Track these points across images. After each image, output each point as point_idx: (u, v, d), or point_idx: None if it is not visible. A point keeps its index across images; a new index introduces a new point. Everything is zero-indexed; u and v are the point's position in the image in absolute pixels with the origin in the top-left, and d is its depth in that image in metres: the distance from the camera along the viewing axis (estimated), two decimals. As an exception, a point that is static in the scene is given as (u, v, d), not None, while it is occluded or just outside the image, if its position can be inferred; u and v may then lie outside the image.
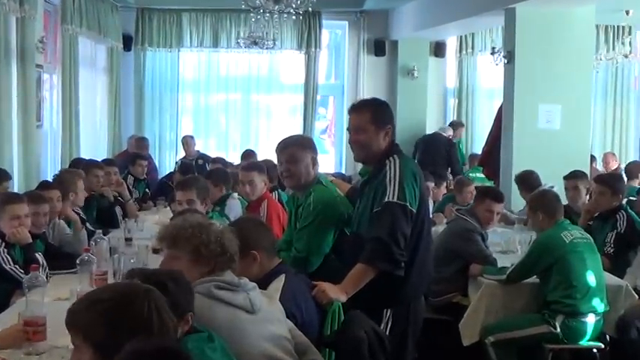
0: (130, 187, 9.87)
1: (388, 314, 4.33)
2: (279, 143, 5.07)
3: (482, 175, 11.05)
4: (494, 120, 10.79)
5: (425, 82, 14.70)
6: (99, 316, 2.37)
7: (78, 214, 7.00)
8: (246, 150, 12.02)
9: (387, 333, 4.27)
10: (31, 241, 5.43)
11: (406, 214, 4.21)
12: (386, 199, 4.23)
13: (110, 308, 2.38)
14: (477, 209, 6.55)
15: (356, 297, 4.16)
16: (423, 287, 4.49)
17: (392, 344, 4.14)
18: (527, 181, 8.37)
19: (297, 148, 4.97)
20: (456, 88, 15.19)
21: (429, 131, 14.26)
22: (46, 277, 5.05)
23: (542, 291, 5.84)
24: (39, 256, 5.41)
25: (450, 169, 12.56)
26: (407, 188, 4.24)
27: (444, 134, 13.19)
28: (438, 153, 12.58)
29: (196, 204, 6.04)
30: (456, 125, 14.03)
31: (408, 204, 4.22)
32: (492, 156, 10.52)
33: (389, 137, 4.48)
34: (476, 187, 8.53)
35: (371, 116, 4.47)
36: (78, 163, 8.95)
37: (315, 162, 4.97)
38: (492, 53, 10.51)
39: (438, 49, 14.98)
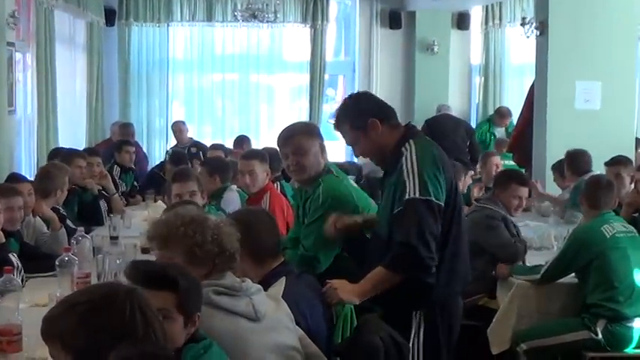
0: (117, 178, 9.89)
1: (418, 318, 4.28)
2: (281, 135, 5.09)
3: (513, 163, 11.03)
4: (525, 100, 10.76)
5: (446, 59, 14.68)
6: (77, 321, 2.38)
7: (57, 210, 7.01)
8: (239, 136, 11.98)
9: (417, 340, 4.24)
10: (3, 240, 5.44)
11: (432, 210, 4.11)
12: (406, 196, 4.13)
13: (89, 311, 2.40)
14: (501, 196, 6.53)
15: (376, 298, 4.14)
16: (456, 286, 4.39)
17: (422, 354, 4.14)
18: (577, 162, 8.25)
19: (303, 137, 4.98)
20: (482, 64, 15.17)
21: (452, 113, 14.24)
22: (22, 281, 5.05)
23: (582, 292, 5.83)
24: (12, 257, 5.40)
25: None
26: (429, 179, 4.14)
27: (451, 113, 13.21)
28: (457, 136, 12.51)
29: (198, 196, 6.06)
30: (503, 113, 13.91)
31: (432, 197, 4.11)
32: (523, 141, 10.50)
33: (386, 127, 4.39)
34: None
35: (349, 124, 4.45)
36: (57, 155, 8.95)
37: (323, 149, 4.98)
38: (523, 24, 10.47)
39: (461, 21, 14.95)
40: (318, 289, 4.14)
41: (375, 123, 4.36)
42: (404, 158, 4.23)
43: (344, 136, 4.56)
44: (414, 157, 4.20)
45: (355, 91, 4.94)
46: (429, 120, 12.77)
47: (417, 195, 4.11)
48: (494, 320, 6.01)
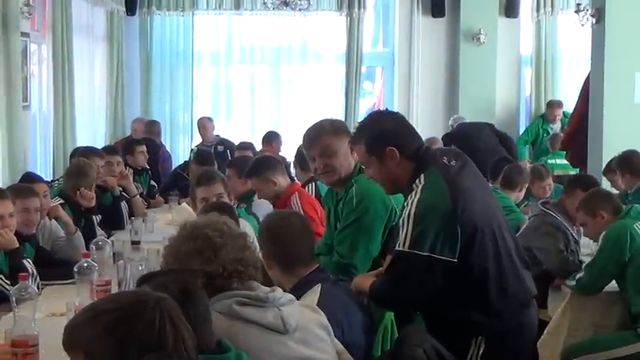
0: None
1: (478, 342, 4.27)
2: (306, 135, 5.12)
3: (565, 162, 10.98)
4: (580, 94, 10.70)
5: (494, 49, 14.61)
6: (104, 330, 2.38)
7: (83, 211, 7.08)
8: (269, 132, 12.01)
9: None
10: (17, 245, 5.48)
11: (423, 265, 4.06)
12: (397, 246, 4.13)
13: (117, 320, 2.39)
14: (566, 202, 6.52)
15: (429, 328, 4.16)
16: (515, 310, 4.33)
17: None
18: (631, 163, 8.20)
19: (330, 137, 5.00)
20: (532, 55, 15.09)
21: (499, 108, 14.20)
22: (38, 289, 5.09)
23: (626, 303, 5.81)
24: (27, 264, 5.44)
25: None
26: (426, 231, 4.06)
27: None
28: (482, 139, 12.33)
29: (224, 199, 6.09)
30: (554, 105, 13.81)
31: (425, 252, 4.04)
32: (577, 138, 10.45)
33: (403, 157, 4.29)
34: (562, 176, 8.47)
35: (365, 147, 4.38)
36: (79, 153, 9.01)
37: (353, 148, 4.96)
38: (577, 11, 10.42)
39: (510, 8, 14.88)
40: (357, 297, 4.15)
41: (392, 152, 4.28)
42: (410, 197, 4.18)
43: (357, 154, 4.55)
44: (416, 200, 4.12)
45: (382, 109, 4.86)
46: (449, 135, 12.48)
47: (407, 248, 4.08)
48: (545, 332, 5.99)
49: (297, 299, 3.77)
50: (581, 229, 6.57)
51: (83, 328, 2.42)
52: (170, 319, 2.42)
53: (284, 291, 3.57)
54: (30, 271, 5.27)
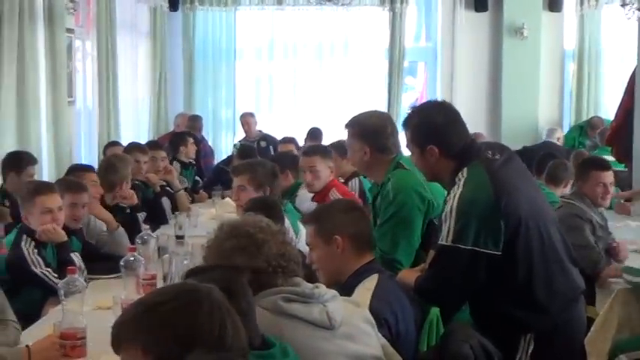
0: (177, 174, 9.98)
1: (527, 339, 4.26)
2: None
3: (612, 158, 10.88)
4: (625, 90, 10.59)
5: (537, 43, 14.54)
6: (161, 324, 2.36)
7: (121, 207, 7.12)
8: (313, 129, 12.04)
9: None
10: (66, 238, 5.52)
11: (465, 258, 4.06)
12: (440, 240, 4.14)
13: (175, 311, 2.38)
14: (584, 188, 6.49)
15: (478, 325, 4.15)
16: (563, 305, 4.31)
17: None
18: None
19: (348, 133, 5.17)
20: (576, 49, 15.00)
21: (543, 104, 14.11)
22: (85, 282, 5.13)
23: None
24: (75, 257, 5.49)
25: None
26: (471, 224, 4.06)
27: (554, 141, 12.79)
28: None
29: (247, 191, 6.07)
30: (595, 125, 13.65)
31: (468, 245, 4.05)
32: (622, 134, 10.35)
33: (444, 157, 4.31)
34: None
35: (410, 135, 4.43)
36: (112, 149, 9.06)
37: (366, 152, 5.06)
38: (623, 5, 10.36)
39: (554, 2, 14.79)
40: (407, 292, 4.16)
41: (432, 151, 4.30)
42: (452, 191, 4.19)
43: (405, 136, 4.58)
44: (459, 194, 4.12)
45: (434, 100, 4.84)
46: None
47: (450, 242, 4.08)
48: (592, 330, 5.94)
49: (355, 286, 3.80)
50: (602, 212, 6.54)
51: (139, 321, 2.40)
52: (226, 309, 2.42)
53: (337, 282, 3.58)
54: (78, 264, 5.30)
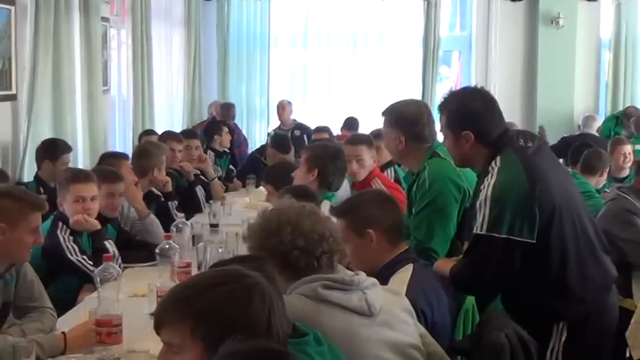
0: (212, 163, 10.00)
1: (560, 327, 4.25)
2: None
3: (645, 148, 10.80)
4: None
5: (573, 32, 14.46)
6: (214, 305, 2.36)
7: (155, 195, 7.14)
8: (349, 118, 12.02)
9: (557, 346, 4.21)
10: (99, 227, 5.55)
11: (501, 247, 4.06)
12: (475, 230, 4.13)
13: (229, 294, 2.37)
14: None
15: (511, 314, 4.14)
16: (596, 293, 4.30)
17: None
18: None
19: (384, 121, 5.16)
20: (612, 38, 14.91)
21: (579, 94, 14.02)
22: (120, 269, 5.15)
23: None
24: (109, 245, 5.51)
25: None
26: (503, 212, 4.04)
27: (591, 131, 12.60)
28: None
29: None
30: (631, 114, 13.43)
31: (503, 234, 4.04)
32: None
33: (478, 143, 4.31)
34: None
35: (446, 119, 4.42)
36: (147, 137, 9.08)
37: (401, 141, 5.02)
38: (660, -6, 10.25)
39: (590, -9, 14.71)
40: (443, 281, 4.15)
41: (468, 136, 4.30)
42: (486, 180, 4.17)
43: (440, 120, 4.56)
44: (493, 183, 4.11)
45: (474, 86, 4.84)
46: None
47: (485, 231, 4.08)
48: (632, 322, 5.88)
49: (389, 276, 3.80)
50: None
51: (189, 301, 2.39)
52: (273, 295, 2.42)
53: (371, 273, 3.58)
54: (112, 252, 5.33)
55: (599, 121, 12.67)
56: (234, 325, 2.33)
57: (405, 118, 5.07)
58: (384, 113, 5.17)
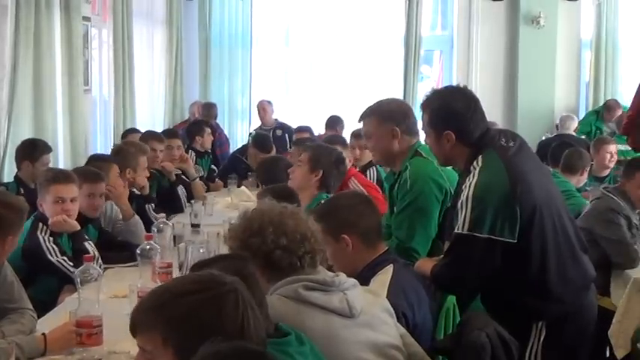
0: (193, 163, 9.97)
1: (539, 327, 4.26)
2: (360, 116, 5.20)
3: (627, 147, 10.82)
4: (643, 77, 10.55)
5: (554, 32, 14.49)
6: (187, 314, 2.35)
7: (135, 195, 7.11)
8: (332, 117, 12.02)
9: (536, 344, 4.23)
10: (78, 228, 5.53)
11: (482, 247, 4.09)
12: (455, 229, 4.15)
13: (202, 302, 2.36)
14: (626, 186, 6.45)
15: (489, 312, 4.15)
16: (575, 293, 4.33)
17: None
18: None
19: (371, 122, 5.08)
20: (593, 38, 14.93)
21: (559, 93, 14.06)
22: (100, 270, 5.13)
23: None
24: (89, 246, 5.49)
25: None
26: (484, 212, 4.07)
27: (569, 131, 12.57)
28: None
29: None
30: (611, 106, 13.50)
31: (484, 234, 4.07)
32: (639, 122, 10.29)
33: (459, 143, 4.33)
34: (622, 161, 8.36)
35: (428, 118, 4.43)
36: (129, 136, 9.05)
37: (395, 135, 4.97)
38: (640, -6, 10.28)
39: (571, -10, 14.74)
40: (423, 281, 4.16)
41: (449, 136, 4.33)
42: (467, 180, 4.19)
43: (422, 118, 4.56)
44: (474, 183, 4.14)
45: (456, 85, 4.84)
46: None
47: (466, 231, 4.11)
48: (614, 322, 5.93)
49: (370, 278, 3.80)
50: None
51: (162, 309, 2.39)
52: (249, 301, 2.41)
53: (351, 275, 3.58)
54: (92, 253, 5.31)
55: (576, 121, 12.68)
56: (205, 333, 2.32)
57: (398, 112, 5.06)
58: (368, 114, 5.12)
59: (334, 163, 6.17)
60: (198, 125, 11.02)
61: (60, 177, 5.60)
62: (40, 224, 5.42)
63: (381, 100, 5.24)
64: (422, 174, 4.85)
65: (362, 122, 5.14)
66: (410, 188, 4.85)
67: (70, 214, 5.48)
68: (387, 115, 5.03)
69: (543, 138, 12.88)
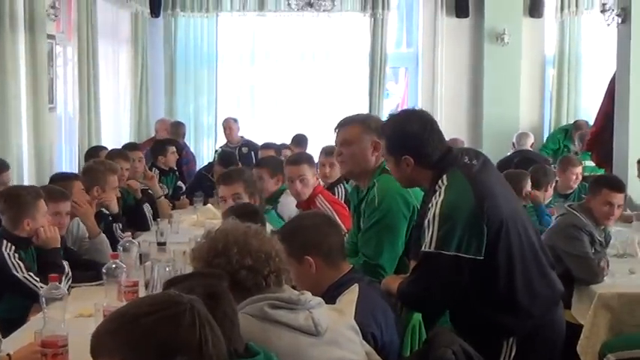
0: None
1: (511, 342, 4.28)
2: (338, 122, 5.18)
3: (591, 163, 10.92)
4: (605, 94, 10.64)
5: (518, 49, 14.55)
6: (145, 333, 2.34)
7: (103, 214, 7.07)
8: (297, 135, 12.02)
9: None
10: (59, 245, 5.51)
11: (450, 264, 4.10)
12: (423, 247, 4.17)
13: (158, 322, 2.36)
14: (591, 203, 6.48)
15: (460, 331, 4.15)
16: (544, 308, 4.36)
17: None
18: None
19: (354, 129, 5.05)
20: (556, 55, 15.02)
21: (524, 110, 14.16)
22: (68, 290, 5.11)
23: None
24: (65, 265, 5.47)
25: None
26: (452, 230, 4.09)
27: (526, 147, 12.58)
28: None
29: (242, 199, 6.08)
30: (580, 126, 13.43)
31: (452, 251, 4.09)
32: (602, 138, 10.38)
33: (419, 167, 4.34)
34: (587, 177, 8.42)
35: (386, 143, 4.47)
36: (95, 154, 9.00)
37: (376, 147, 4.96)
38: (602, 11, 10.40)
39: (534, 8, 14.82)
40: (389, 298, 4.16)
41: (408, 161, 4.34)
42: (434, 198, 4.20)
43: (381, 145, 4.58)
44: (441, 201, 4.15)
45: (412, 108, 4.85)
46: None
47: (433, 248, 4.12)
48: (582, 337, 5.95)
49: (335, 297, 3.79)
50: (609, 230, 6.57)
51: (119, 332, 2.36)
52: (207, 320, 2.40)
53: (316, 292, 3.58)
54: (66, 271, 5.30)
55: (532, 138, 12.72)
56: (163, 354, 2.30)
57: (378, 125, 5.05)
58: (352, 121, 5.12)
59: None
60: (161, 145, 10.92)
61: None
62: (5, 241, 5.39)
63: (358, 114, 5.28)
64: (390, 191, 4.85)
65: (342, 129, 5.11)
66: (378, 205, 4.85)
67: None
68: (373, 126, 5.03)
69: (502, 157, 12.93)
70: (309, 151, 11.33)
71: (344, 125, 5.10)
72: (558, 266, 6.00)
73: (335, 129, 5.17)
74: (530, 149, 12.31)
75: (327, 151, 7.99)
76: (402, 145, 4.36)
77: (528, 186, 7.93)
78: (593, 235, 6.38)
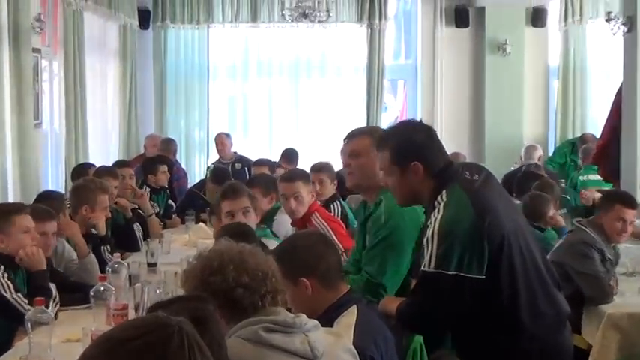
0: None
1: None
2: (348, 134, 5.23)
3: (598, 177, 10.90)
4: (612, 105, 10.63)
5: (520, 60, 14.60)
6: (132, 357, 2.31)
7: (92, 235, 7.05)
8: (287, 150, 11.99)
9: None
10: (44, 267, 5.49)
11: (450, 285, 4.07)
12: (422, 267, 4.14)
13: (146, 346, 2.35)
14: (603, 219, 6.46)
15: (459, 352, 4.14)
16: (548, 330, 4.33)
17: None
18: None
19: (364, 141, 5.08)
20: (561, 65, 15.02)
21: (527, 122, 14.17)
22: (55, 313, 5.09)
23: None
24: (53, 288, 5.45)
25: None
26: (454, 248, 4.07)
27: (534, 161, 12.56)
28: None
29: (251, 214, 6.06)
30: (587, 140, 13.36)
31: (452, 271, 4.06)
32: (609, 152, 10.38)
33: (427, 175, 4.31)
34: (599, 192, 8.41)
35: (390, 155, 4.40)
36: (83, 171, 8.99)
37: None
38: (607, 20, 10.39)
39: (537, 17, 14.86)
40: (387, 320, 4.15)
41: (417, 168, 4.30)
42: (432, 216, 4.19)
43: (379, 160, 4.54)
44: (439, 218, 4.13)
45: (411, 119, 4.86)
46: None
47: (432, 268, 4.09)
48: (591, 358, 5.94)
49: (333, 320, 3.78)
50: (617, 248, 6.55)
51: (105, 357, 2.34)
52: (196, 342, 2.39)
53: (313, 315, 3.56)
54: (53, 294, 5.27)
55: (540, 150, 12.72)
56: None
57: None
58: (364, 133, 5.17)
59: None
60: (152, 163, 10.87)
61: (18, 208, 5.65)
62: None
63: (375, 126, 5.29)
64: (397, 209, 4.83)
65: (352, 140, 5.16)
66: (384, 223, 4.87)
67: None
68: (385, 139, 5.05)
69: (512, 169, 12.92)
70: (302, 166, 11.34)
71: (354, 137, 5.15)
72: (567, 286, 6.01)
73: (344, 140, 5.21)
74: (538, 162, 12.30)
75: (315, 169, 7.98)
76: (410, 153, 4.32)
77: (551, 212, 7.87)
78: (604, 252, 6.37)
